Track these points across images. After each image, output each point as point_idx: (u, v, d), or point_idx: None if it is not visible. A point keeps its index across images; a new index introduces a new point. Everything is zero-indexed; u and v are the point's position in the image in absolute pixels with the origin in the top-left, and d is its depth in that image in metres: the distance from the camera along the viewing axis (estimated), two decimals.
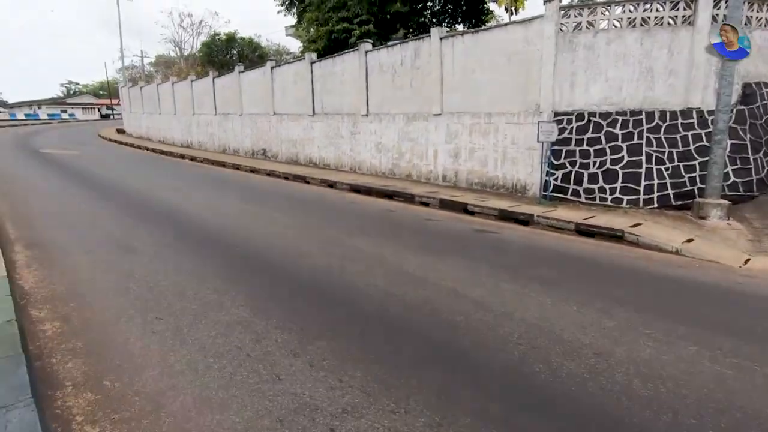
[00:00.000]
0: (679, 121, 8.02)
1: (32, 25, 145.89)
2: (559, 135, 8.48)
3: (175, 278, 3.87)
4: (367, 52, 12.68)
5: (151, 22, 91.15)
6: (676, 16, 7.83)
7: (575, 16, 8.46)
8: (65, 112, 63.14)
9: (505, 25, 9.57)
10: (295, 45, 43.65)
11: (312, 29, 18.61)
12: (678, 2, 7.79)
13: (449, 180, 10.83)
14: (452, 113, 10.58)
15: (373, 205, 8.75)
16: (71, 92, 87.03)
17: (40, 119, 55.33)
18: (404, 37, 20.06)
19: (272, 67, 16.85)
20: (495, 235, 6.44)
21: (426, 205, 8.96)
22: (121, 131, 33.69)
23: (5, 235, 4.94)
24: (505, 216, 7.70)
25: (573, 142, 8.59)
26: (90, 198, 8.31)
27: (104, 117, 63.52)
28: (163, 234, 5.55)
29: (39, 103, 70.94)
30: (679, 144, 8.00)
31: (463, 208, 8.35)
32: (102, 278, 3.81)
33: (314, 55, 15.02)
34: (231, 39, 29.73)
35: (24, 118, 54.89)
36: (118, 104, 62.08)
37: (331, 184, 11.46)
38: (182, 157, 19.06)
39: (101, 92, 79.45)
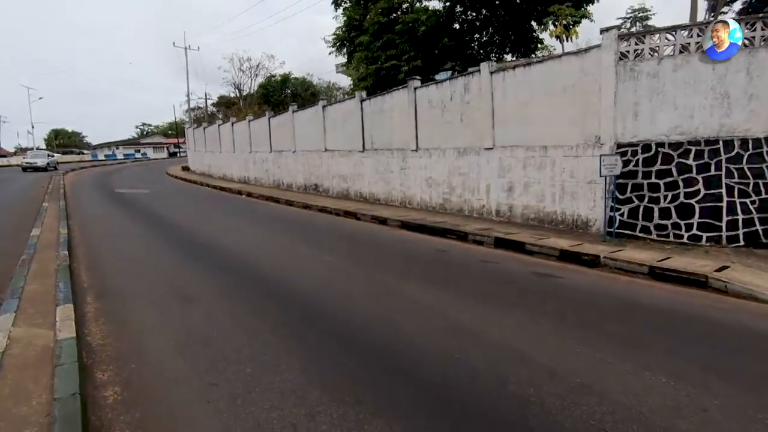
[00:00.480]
0: (765, 149, 7.25)
1: (113, 76, 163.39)
2: (623, 167, 7.94)
3: (231, 333, 3.86)
4: (416, 88, 12.79)
5: (215, 67, 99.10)
6: (754, 37, 7.20)
7: (636, 44, 8.04)
8: (138, 151, 69.08)
9: (560, 56, 9.28)
10: (345, 81, 45.44)
11: (361, 68, 19.20)
12: (755, 23, 7.18)
13: (503, 215, 10.44)
14: (505, 147, 10.29)
15: (426, 244, 8.55)
16: (144, 133, 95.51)
17: (117, 159, 60.83)
18: (452, 69, 20.18)
19: (324, 107, 17.45)
20: (559, 280, 6.00)
21: (480, 243, 8.63)
22: (186, 168, 36.16)
23: (80, 284, 5.24)
24: (568, 257, 7.20)
25: (640, 174, 8.00)
26: (156, 240, 8.76)
27: (172, 155, 68.71)
28: (221, 281, 5.66)
29: (117, 144, 78.35)
30: (767, 174, 7.20)
31: (521, 248, 7.93)
32: (162, 334, 3.88)
33: (364, 94, 15.39)
34: (285, 80, 31.47)
35: (104, 158, 60.61)
36: (183, 143, 67.20)
37: (382, 221, 11.40)
38: (239, 193, 19.98)
39: (169, 132, 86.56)
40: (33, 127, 79.59)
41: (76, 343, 3.22)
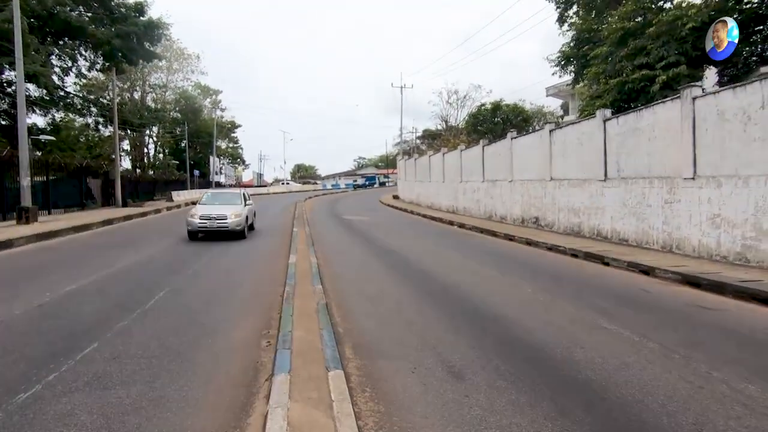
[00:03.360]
0: None
1: (340, 118, 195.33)
2: None
3: None
4: (695, 98, 9.80)
5: (421, 104, 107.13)
6: None
7: None
8: (355, 181, 78.99)
9: None
10: (554, 104, 41.94)
11: (597, 84, 16.55)
12: None
13: None
14: None
15: (749, 315, 5.80)
16: (360, 165, 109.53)
17: (340, 188, 70.70)
18: (720, 76, 15.57)
19: (551, 130, 15.55)
20: None
21: None
22: (396, 197, 38.75)
23: (336, 328, 4.87)
24: None
25: None
26: (389, 274, 8.45)
27: (381, 184, 76.10)
28: (481, 345, 4.51)
29: (339, 175, 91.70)
30: None
31: None
32: (447, 427, 2.87)
33: (608, 112, 12.91)
34: (497, 107, 30.58)
35: (330, 187, 71.35)
36: (391, 173, 73.70)
37: (647, 271, 8.79)
38: (451, 223, 19.55)
39: (380, 164, 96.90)
40: (285, 162, 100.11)
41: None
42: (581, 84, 19.18)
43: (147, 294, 6.37)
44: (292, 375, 3.28)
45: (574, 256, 10.97)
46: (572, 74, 20.11)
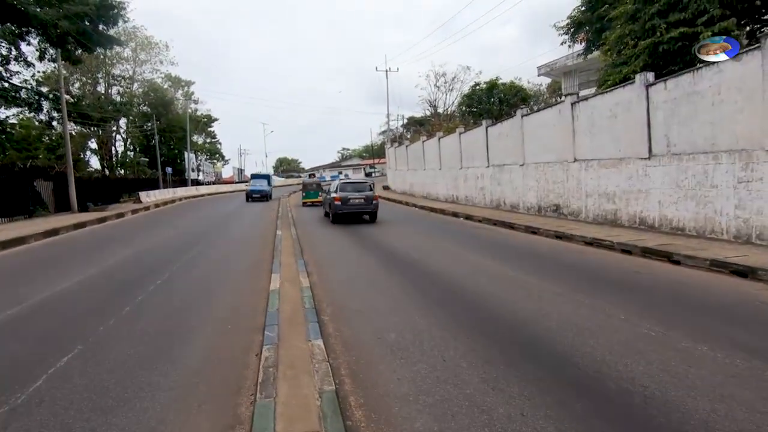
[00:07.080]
0: None
1: (322, 108, 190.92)
2: None
3: None
4: None
5: (404, 92, 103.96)
6: None
7: None
8: (341, 173, 76.14)
9: None
10: (547, 84, 39.84)
11: (620, 49, 14.39)
12: None
13: None
14: None
15: None
16: (344, 156, 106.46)
17: (326, 180, 67.89)
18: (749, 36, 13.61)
19: (573, 103, 13.39)
20: None
21: None
22: (386, 188, 36.39)
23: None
24: None
25: None
26: (415, 302, 6.09)
27: (367, 175, 73.43)
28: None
29: (323, 168, 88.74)
30: None
31: None
32: None
33: (650, 76, 10.77)
34: (492, 86, 28.28)
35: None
36: (378, 163, 71.04)
37: (743, 272, 6.73)
38: (455, 215, 17.37)
39: (364, 154, 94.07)
40: (266, 156, 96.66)
41: None
42: (595, 53, 17.04)
43: (46, 361, 3.97)
44: None
45: (626, 252, 8.87)
46: (583, 43, 17.96)
